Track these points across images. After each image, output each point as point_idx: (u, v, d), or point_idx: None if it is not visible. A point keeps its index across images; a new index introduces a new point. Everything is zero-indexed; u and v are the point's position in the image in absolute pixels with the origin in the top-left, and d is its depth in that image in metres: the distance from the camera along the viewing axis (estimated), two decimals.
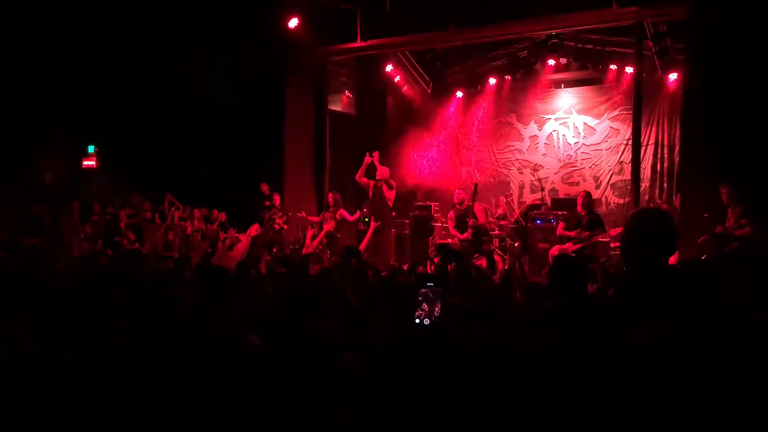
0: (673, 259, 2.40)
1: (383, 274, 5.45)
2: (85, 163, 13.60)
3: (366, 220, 10.38)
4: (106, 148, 13.53)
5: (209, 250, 9.24)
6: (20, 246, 7.48)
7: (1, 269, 5.84)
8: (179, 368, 2.34)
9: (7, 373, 1.98)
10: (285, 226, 10.71)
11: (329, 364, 2.32)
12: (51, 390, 1.75)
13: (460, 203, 9.57)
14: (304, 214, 10.52)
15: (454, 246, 8.67)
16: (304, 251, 9.39)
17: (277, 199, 10.81)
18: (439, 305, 2.34)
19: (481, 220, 9.37)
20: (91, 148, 13.59)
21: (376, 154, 10.03)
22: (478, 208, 9.44)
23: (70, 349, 1.86)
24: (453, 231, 9.67)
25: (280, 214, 10.74)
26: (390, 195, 9.97)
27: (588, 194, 8.80)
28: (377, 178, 9.94)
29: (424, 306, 2.35)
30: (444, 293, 2.35)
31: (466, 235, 9.31)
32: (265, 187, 10.94)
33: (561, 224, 8.98)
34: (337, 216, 9.88)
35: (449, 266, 5.18)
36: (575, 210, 8.77)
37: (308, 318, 2.64)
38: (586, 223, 8.49)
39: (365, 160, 9.96)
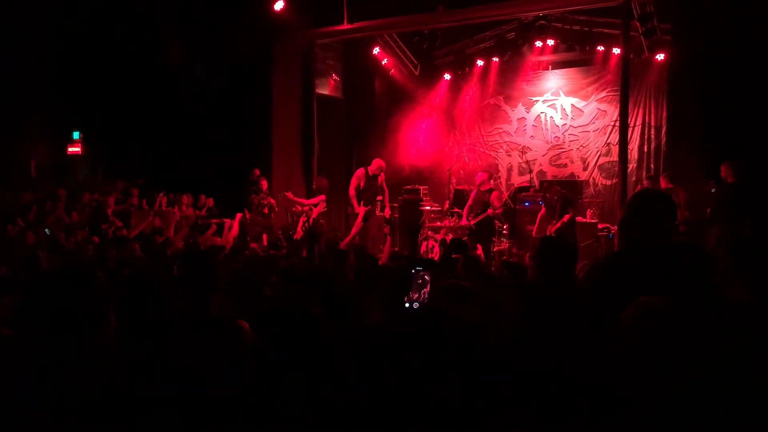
0: None
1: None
2: (70, 149, 13.46)
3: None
4: (91, 134, 13.39)
5: (197, 236, 9.21)
6: (5, 234, 7.41)
7: None
8: (169, 354, 2.33)
9: None
10: (276, 209, 10.65)
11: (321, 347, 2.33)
12: (28, 378, 1.73)
13: (481, 184, 9.61)
14: (291, 194, 10.36)
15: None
16: (296, 236, 9.43)
17: (264, 183, 10.73)
18: (428, 289, 2.34)
19: (497, 207, 9.46)
20: (76, 135, 13.45)
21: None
22: (495, 195, 9.51)
23: (53, 336, 1.84)
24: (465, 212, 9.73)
25: (269, 198, 10.68)
26: (384, 186, 9.95)
27: (555, 185, 9.67)
28: (379, 184, 9.87)
29: (414, 289, 2.36)
30: (434, 277, 2.36)
31: (466, 223, 9.42)
32: (257, 173, 10.86)
33: (542, 210, 9.59)
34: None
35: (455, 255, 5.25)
36: (550, 196, 9.42)
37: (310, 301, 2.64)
38: (559, 206, 9.14)
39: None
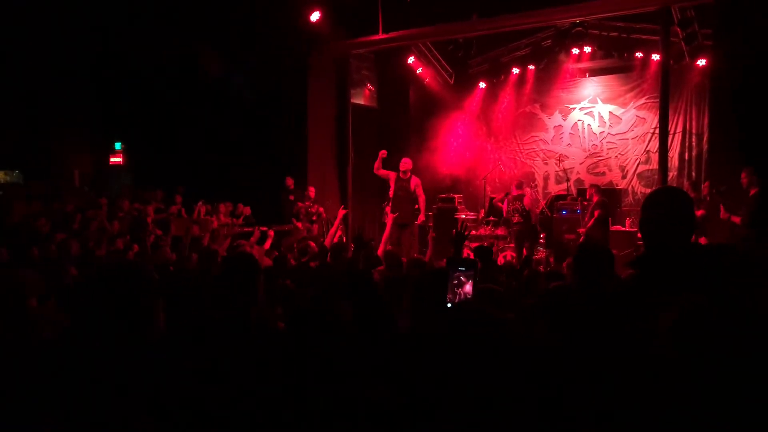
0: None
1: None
2: (112, 159, 13.82)
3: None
4: (132, 144, 13.73)
5: (235, 243, 9.30)
6: (51, 240, 7.59)
7: (31, 263, 5.96)
8: (212, 357, 2.36)
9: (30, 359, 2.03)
10: (324, 215, 10.75)
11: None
12: (71, 377, 1.77)
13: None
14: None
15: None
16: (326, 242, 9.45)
17: (312, 191, 10.87)
18: (470, 288, 2.33)
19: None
20: (117, 145, 13.81)
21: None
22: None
23: (96, 340, 1.88)
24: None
25: (317, 206, 10.78)
26: (418, 192, 9.87)
27: (594, 187, 10.27)
28: (411, 189, 9.82)
29: (455, 290, 2.35)
30: (475, 276, 2.35)
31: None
32: (290, 181, 11.00)
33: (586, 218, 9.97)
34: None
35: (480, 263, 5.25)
36: (589, 201, 10.02)
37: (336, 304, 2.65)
38: (591, 211, 9.80)
39: (381, 154, 9.72)
